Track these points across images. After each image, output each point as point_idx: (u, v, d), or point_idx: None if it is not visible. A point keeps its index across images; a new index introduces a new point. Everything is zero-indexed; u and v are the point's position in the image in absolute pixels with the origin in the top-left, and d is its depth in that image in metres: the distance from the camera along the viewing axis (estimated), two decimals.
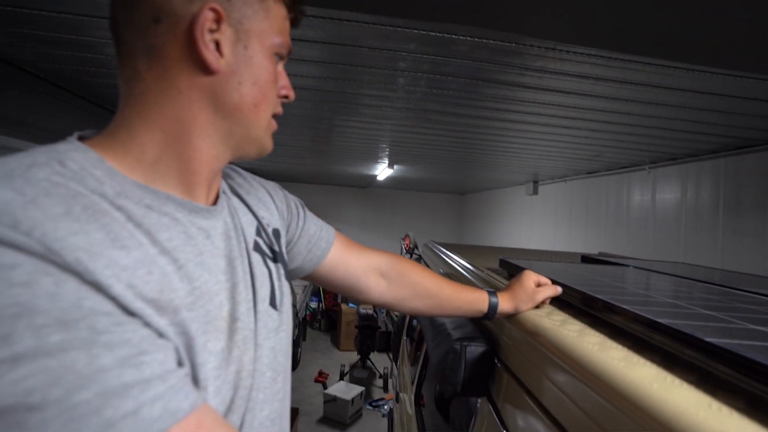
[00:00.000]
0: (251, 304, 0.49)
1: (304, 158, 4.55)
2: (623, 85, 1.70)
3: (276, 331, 0.52)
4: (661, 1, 0.65)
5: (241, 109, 0.46)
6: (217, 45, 0.42)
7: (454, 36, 1.39)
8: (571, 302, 0.78)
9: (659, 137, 2.45)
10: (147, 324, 0.34)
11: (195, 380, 0.38)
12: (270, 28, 0.46)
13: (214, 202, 0.50)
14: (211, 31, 0.42)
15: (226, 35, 0.43)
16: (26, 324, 0.27)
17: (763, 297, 0.84)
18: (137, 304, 0.33)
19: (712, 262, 2.57)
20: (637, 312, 0.58)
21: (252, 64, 0.45)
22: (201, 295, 0.41)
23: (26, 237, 0.29)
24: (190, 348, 0.37)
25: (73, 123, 2.32)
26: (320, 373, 4.60)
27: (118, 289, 0.32)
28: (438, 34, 1.38)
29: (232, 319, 0.45)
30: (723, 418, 0.35)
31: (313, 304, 6.58)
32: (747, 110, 1.84)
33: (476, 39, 1.40)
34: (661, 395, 0.40)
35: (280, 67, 0.51)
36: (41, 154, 0.36)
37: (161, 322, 0.35)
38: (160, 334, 0.35)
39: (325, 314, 6.53)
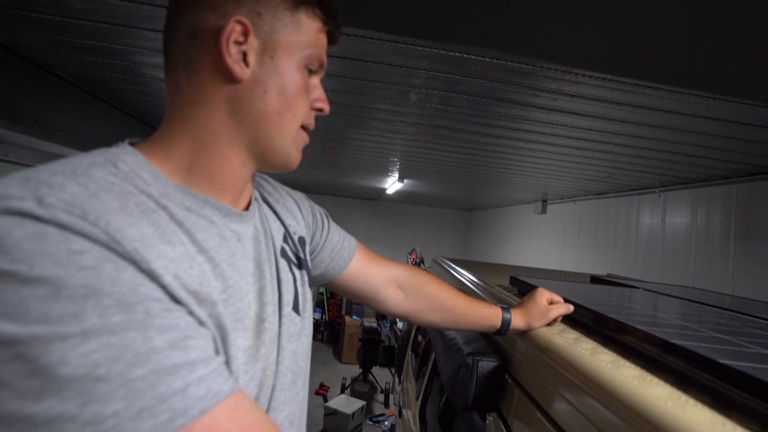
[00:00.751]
0: (277, 307, 0.51)
1: (314, 169, 4.60)
2: (636, 109, 1.72)
3: (298, 335, 0.54)
4: (678, 31, 0.67)
5: (266, 117, 0.47)
6: (245, 56, 0.45)
7: (469, 56, 1.42)
8: (583, 321, 0.79)
9: (671, 161, 2.45)
10: (190, 313, 0.36)
11: (229, 371, 0.40)
12: (300, 40, 0.48)
13: (246, 208, 0.52)
14: (238, 42, 0.44)
15: (252, 46, 0.45)
16: (93, 304, 0.30)
17: None
18: (182, 294, 0.36)
19: (722, 288, 2.54)
20: (650, 332, 0.59)
21: (278, 74, 0.47)
22: (233, 293, 0.43)
23: (93, 227, 0.32)
24: (224, 340, 0.40)
25: (98, 127, 2.38)
26: (321, 386, 4.56)
27: (168, 278, 0.35)
28: (453, 53, 1.42)
29: (260, 319, 0.47)
30: None
31: (317, 316, 6.56)
32: (760, 138, 1.85)
33: (491, 60, 1.43)
34: (675, 414, 0.40)
35: (315, 80, 0.52)
36: (98, 155, 0.39)
37: (201, 312, 0.38)
38: (201, 323, 0.37)
39: (328, 326, 6.50)
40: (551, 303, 0.79)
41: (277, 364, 0.49)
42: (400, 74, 1.66)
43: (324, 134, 2.83)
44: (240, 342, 0.43)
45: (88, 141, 2.38)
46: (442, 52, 1.41)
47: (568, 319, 0.82)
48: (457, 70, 1.56)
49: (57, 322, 0.29)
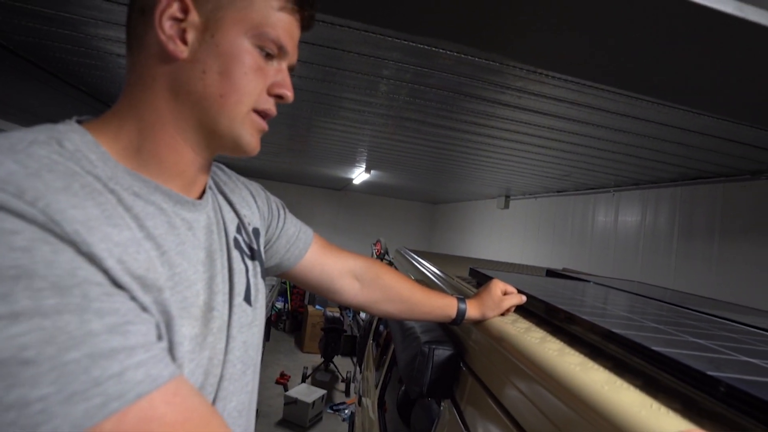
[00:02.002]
0: (227, 296, 0.50)
1: (280, 156, 4.51)
2: (594, 111, 1.79)
3: (249, 326, 0.54)
4: (632, 42, 0.72)
5: (207, 98, 0.44)
6: (184, 33, 0.43)
7: (439, 49, 1.43)
8: (536, 312, 0.83)
9: (624, 162, 2.58)
10: (133, 298, 0.35)
11: (172, 358, 0.39)
12: (250, 18, 0.44)
13: (200, 196, 0.51)
14: (177, 19, 0.43)
15: (193, 23, 0.43)
16: (24, 285, 0.29)
17: (704, 315, 0.91)
18: (125, 279, 0.35)
19: (665, 283, 2.72)
20: (595, 322, 0.63)
21: (219, 53, 0.44)
22: (179, 281, 0.42)
23: (30, 206, 0.31)
24: (169, 326, 0.39)
25: (41, 100, 2.22)
26: (282, 375, 4.54)
27: (110, 262, 0.34)
28: (423, 46, 1.42)
29: (208, 308, 0.46)
30: (660, 417, 0.39)
31: (279, 305, 6.49)
32: (702, 145, 1.98)
33: (460, 54, 1.45)
34: (609, 396, 0.43)
35: (277, 64, 0.49)
36: (41, 132, 0.37)
37: (145, 298, 0.37)
38: (144, 309, 0.36)
39: (290, 315, 6.45)
40: (505, 294, 0.82)
41: (226, 353, 0.48)
42: (370, 64, 1.65)
43: (291, 121, 2.77)
44: (186, 330, 0.42)
45: (30, 115, 2.22)
46: (412, 44, 1.41)
47: (522, 310, 0.86)
48: (426, 63, 1.57)
49: None
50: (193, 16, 0.43)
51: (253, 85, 0.46)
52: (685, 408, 0.41)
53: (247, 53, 0.45)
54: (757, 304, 2.09)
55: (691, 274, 2.58)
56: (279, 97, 0.50)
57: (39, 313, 0.29)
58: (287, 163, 5.02)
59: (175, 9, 0.42)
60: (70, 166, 0.36)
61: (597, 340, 0.61)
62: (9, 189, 0.31)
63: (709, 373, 0.40)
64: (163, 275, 0.40)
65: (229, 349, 0.49)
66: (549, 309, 0.77)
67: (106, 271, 0.33)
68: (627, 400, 0.43)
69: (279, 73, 0.49)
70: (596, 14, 0.67)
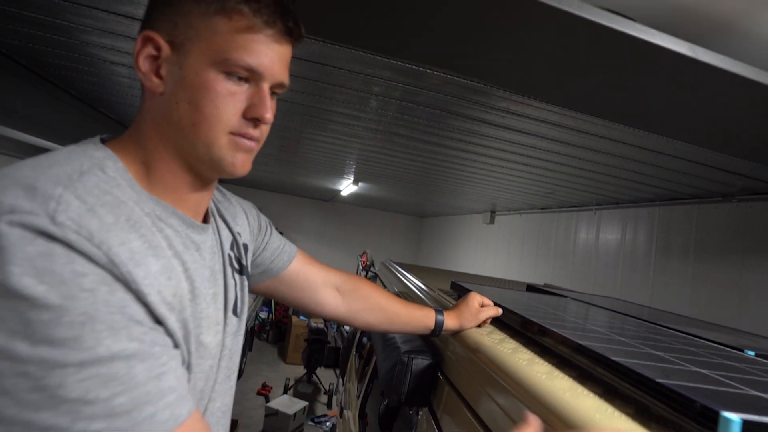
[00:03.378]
0: (224, 310, 0.56)
1: (269, 165, 4.53)
2: (576, 132, 1.87)
3: (235, 335, 0.59)
4: (601, 74, 0.78)
5: (182, 129, 0.47)
6: (159, 68, 0.46)
7: (426, 70, 1.49)
8: (512, 324, 0.86)
9: (605, 182, 2.67)
10: (168, 332, 0.41)
11: (187, 366, 0.45)
12: (213, 46, 0.45)
13: (205, 218, 0.56)
14: (154, 57, 0.46)
15: (167, 59, 0.46)
16: (90, 329, 0.34)
17: (669, 330, 0.96)
18: (161, 310, 0.40)
19: (643, 299, 2.79)
20: (564, 335, 0.67)
21: (185, 84, 0.45)
22: (197, 295, 0.48)
23: (96, 248, 0.36)
24: (187, 339, 0.45)
25: (33, 103, 2.22)
26: (264, 386, 4.48)
27: (152, 297, 0.39)
28: (412, 66, 1.48)
29: (215, 321, 0.52)
30: (613, 420, 0.43)
31: (263, 314, 6.43)
32: (677, 167, 2.07)
33: (447, 75, 1.51)
34: (569, 402, 0.47)
35: (253, 86, 0.48)
36: (84, 159, 0.42)
37: (174, 322, 0.42)
38: (173, 336, 0.42)
39: (274, 325, 6.39)
40: (482, 306, 0.85)
41: (219, 360, 0.54)
42: (360, 81, 1.70)
43: (281, 132, 2.81)
44: (202, 338, 0.48)
45: (22, 119, 2.22)
46: (400, 63, 1.47)
47: (498, 322, 0.89)
48: (415, 82, 1.63)
49: (59, 346, 0.33)
50: (166, 52, 0.46)
51: (224, 112, 0.46)
52: (637, 412, 0.45)
53: (212, 81, 0.45)
54: (726, 321, 2.17)
55: (667, 292, 2.66)
56: (256, 120, 0.49)
57: (98, 362, 0.35)
58: (276, 173, 5.04)
59: (149, 48, 0.46)
60: (116, 194, 0.40)
61: (565, 351, 0.65)
62: (83, 232, 0.36)
63: (658, 380, 0.44)
64: (185, 289, 0.45)
65: (222, 356, 0.55)
66: (524, 322, 0.81)
67: (147, 305, 0.39)
68: (585, 405, 0.46)
69: (255, 95, 0.48)
70: (566, 51, 0.72)
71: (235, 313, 0.59)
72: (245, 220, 0.68)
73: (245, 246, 0.65)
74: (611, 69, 0.75)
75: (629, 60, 0.69)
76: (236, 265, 0.61)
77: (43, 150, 1.69)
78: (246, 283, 0.63)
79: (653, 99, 0.82)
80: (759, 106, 0.78)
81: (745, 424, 0.36)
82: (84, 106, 2.66)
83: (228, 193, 0.68)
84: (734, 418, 0.36)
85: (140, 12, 1.30)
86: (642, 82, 0.75)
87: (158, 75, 0.46)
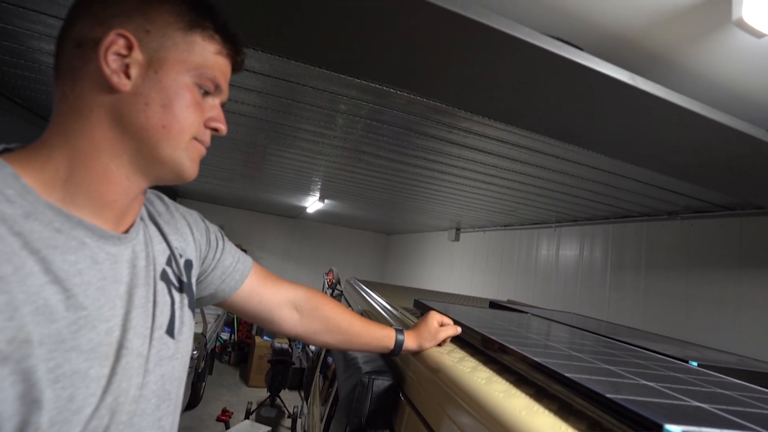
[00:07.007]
0: (148, 331, 0.51)
1: (233, 181, 4.44)
2: (534, 152, 1.94)
3: (170, 359, 0.54)
4: (555, 96, 0.82)
5: (148, 129, 0.48)
6: (127, 68, 0.47)
7: (391, 90, 1.51)
8: (472, 342, 0.87)
9: (563, 201, 2.78)
10: None
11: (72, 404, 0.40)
12: (192, 60, 0.50)
13: (129, 227, 0.52)
14: (121, 55, 0.46)
15: (137, 60, 0.47)
16: None
17: (621, 343, 0.99)
18: None
19: (600, 314, 2.89)
20: (522, 352, 0.68)
21: (161, 89, 0.48)
22: (88, 321, 0.43)
23: None
24: (26, 396, 0.38)
25: None
26: (224, 411, 4.28)
27: None
28: (377, 86, 1.50)
29: (120, 346, 0.46)
30: None
31: (225, 335, 6.18)
32: (627, 186, 2.19)
33: (411, 96, 1.54)
34: (525, 420, 0.47)
35: (212, 101, 0.54)
36: None
37: (2, 372, 0.37)
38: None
39: (236, 347, 6.15)
40: (442, 325, 0.85)
41: (141, 388, 0.49)
42: (326, 98, 1.70)
43: (245, 148, 2.76)
44: (94, 372, 0.43)
45: None
46: (365, 82, 1.49)
47: (460, 341, 0.90)
48: (380, 101, 1.65)
49: None
50: (137, 54, 0.47)
51: (193, 118, 0.51)
52: (590, 428, 0.46)
53: (187, 89, 0.50)
54: (676, 331, 2.28)
55: (622, 306, 2.77)
56: (214, 130, 0.55)
57: None
58: (240, 189, 4.93)
59: (120, 45, 0.46)
60: None
61: (523, 368, 0.66)
62: None
63: (608, 395, 0.45)
64: (62, 323, 0.40)
65: (144, 383, 0.49)
66: (484, 340, 0.82)
67: None
68: (540, 423, 0.47)
69: (214, 108, 0.55)
70: (518, 74, 0.76)
71: (170, 334, 0.54)
72: (189, 234, 0.63)
73: (188, 262, 0.61)
74: (560, 93, 0.79)
75: (577, 85, 0.73)
76: (174, 282, 0.57)
77: None
78: (187, 301, 0.58)
79: (600, 122, 0.87)
80: (692, 131, 0.85)
81: None
82: (30, 115, 2.53)
83: (173, 206, 0.64)
84: (676, 429, 0.38)
85: None
86: (589, 106, 0.79)
87: (126, 74, 0.46)
